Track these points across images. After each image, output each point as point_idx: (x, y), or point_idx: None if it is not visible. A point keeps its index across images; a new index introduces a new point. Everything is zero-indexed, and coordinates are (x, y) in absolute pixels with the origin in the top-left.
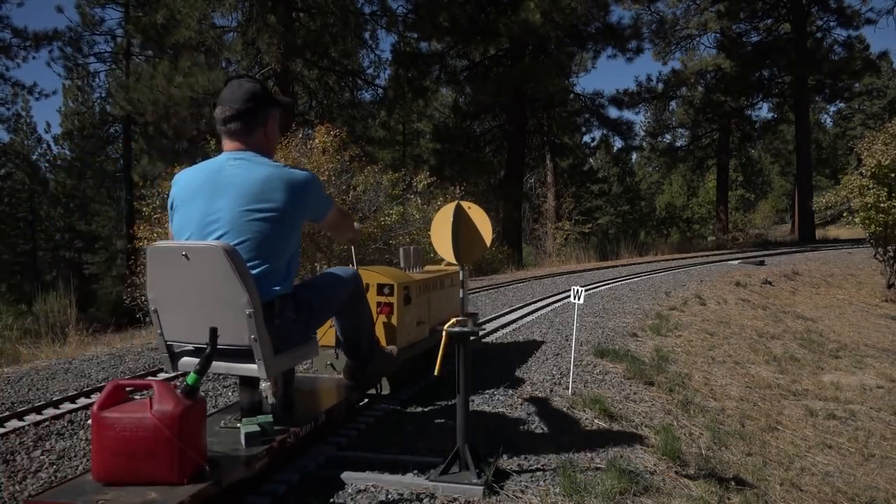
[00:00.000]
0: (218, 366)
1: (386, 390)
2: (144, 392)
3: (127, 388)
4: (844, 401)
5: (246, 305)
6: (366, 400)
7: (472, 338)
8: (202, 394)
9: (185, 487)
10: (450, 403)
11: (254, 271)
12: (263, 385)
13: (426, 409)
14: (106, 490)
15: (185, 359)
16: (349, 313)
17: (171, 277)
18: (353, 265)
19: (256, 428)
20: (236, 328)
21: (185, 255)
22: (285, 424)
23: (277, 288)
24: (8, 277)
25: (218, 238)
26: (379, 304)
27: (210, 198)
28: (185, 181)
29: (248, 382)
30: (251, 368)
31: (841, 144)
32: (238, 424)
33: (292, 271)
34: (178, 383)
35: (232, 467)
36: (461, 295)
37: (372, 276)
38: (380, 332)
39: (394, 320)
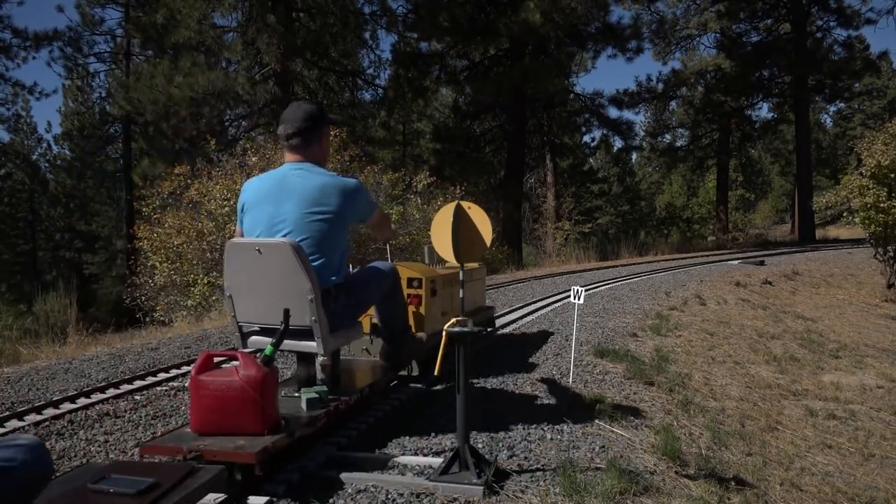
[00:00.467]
0: (283, 343)
1: (416, 372)
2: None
3: (216, 358)
4: (844, 401)
5: (308, 292)
6: (395, 381)
7: (489, 329)
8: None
9: (266, 437)
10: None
11: (314, 264)
12: (320, 359)
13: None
14: (203, 438)
15: (254, 337)
16: (388, 302)
17: (244, 268)
18: (389, 260)
19: (315, 395)
20: (299, 311)
21: (258, 250)
22: (336, 394)
23: (333, 278)
24: (8, 277)
25: (284, 236)
26: (409, 295)
27: (276, 202)
28: (255, 189)
29: (305, 358)
30: (311, 345)
31: (841, 144)
32: (296, 394)
33: (343, 264)
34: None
35: (298, 425)
36: (461, 294)
37: (402, 271)
38: (410, 320)
39: (422, 310)
